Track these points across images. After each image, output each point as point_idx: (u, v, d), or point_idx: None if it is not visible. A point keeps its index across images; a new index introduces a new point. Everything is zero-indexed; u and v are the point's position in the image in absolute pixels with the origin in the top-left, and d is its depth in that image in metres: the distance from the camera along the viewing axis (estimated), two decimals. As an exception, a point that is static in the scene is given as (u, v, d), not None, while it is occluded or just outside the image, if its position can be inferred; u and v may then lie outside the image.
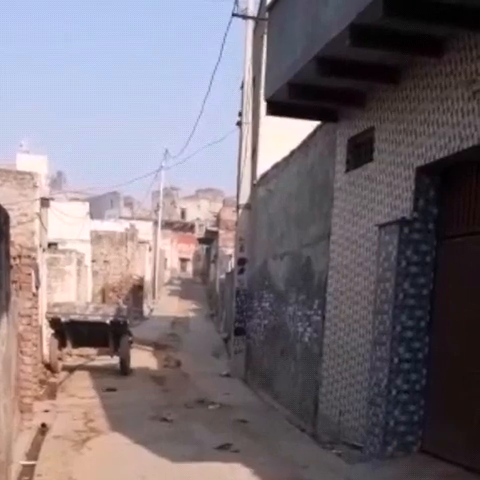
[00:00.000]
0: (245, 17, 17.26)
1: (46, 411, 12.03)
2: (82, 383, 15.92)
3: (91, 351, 18.30)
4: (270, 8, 10.94)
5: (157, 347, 23.68)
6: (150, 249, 47.16)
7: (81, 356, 18.53)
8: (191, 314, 39.25)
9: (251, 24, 17.64)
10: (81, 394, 14.30)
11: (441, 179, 8.03)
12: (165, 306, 43.21)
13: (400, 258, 8.05)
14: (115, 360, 17.85)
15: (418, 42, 7.60)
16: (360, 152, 9.77)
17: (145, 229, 45.46)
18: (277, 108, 10.62)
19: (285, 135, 14.47)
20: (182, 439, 10.16)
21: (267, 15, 11.47)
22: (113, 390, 14.77)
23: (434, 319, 8.04)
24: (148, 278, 45.38)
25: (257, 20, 17.73)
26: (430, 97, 7.80)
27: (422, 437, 8.12)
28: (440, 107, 7.56)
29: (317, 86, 9.41)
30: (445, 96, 7.48)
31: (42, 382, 14.82)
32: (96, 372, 17.37)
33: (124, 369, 17.44)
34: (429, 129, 7.76)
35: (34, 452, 9.16)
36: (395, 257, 8.08)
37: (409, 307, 8.07)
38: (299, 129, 12.57)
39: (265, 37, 12.07)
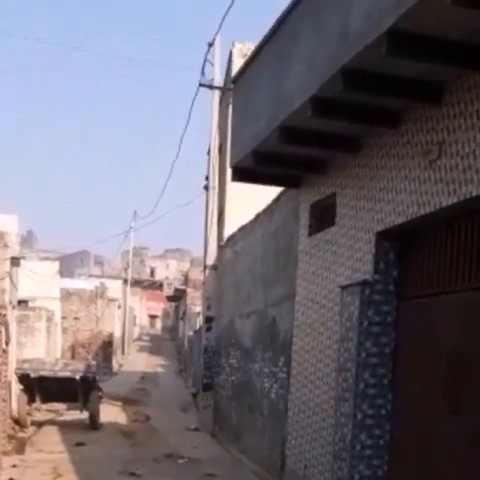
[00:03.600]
0: (211, 87, 17.90)
1: (14, 466, 12.09)
2: (51, 438, 15.96)
3: (60, 406, 18.33)
4: (235, 80, 11.34)
5: (126, 402, 23.71)
6: (119, 306, 47.23)
7: (50, 411, 18.55)
8: (160, 369, 39.20)
9: (217, 94, 18.29)
10: (50, 449, 14.34)
11: (400, 243, 8.38)
12: (134, 362, 43.21)
13: (362, 318, 8.35)
14: (84, 415, 17.88)
15: (376, 113, 8.00)
16: (322, 217, 10.15)
17: (115, 287, 45.63)
18: (242, 174, 10.96)
19: (251, 198, 14.90)
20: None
21: (232, 86, 11.90)
22: (82, 445, 14.82)
23: (396, 377, 8.33)
24: (117, 334, 45.37)
25: (223, 90, 18.33)
26: (389, 165, 8.18)
27: (386, 491, 8.36)
28: (398, 175, 7.93)
29: (281, 154, 9.76)
30: (403, 165, 7.85)
31: (10, 437, 14.86)
32: (65, 427, 17.41)
33: (93, 424, 17.50)
34: (388, 196, 8.13)
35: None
36: (357, 317, 8.39)
37: (372, 365, 8.36)
38: (265, 193, 12.98)
39: (230, 106, 12.48)
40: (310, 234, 10.46)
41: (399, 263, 8.42)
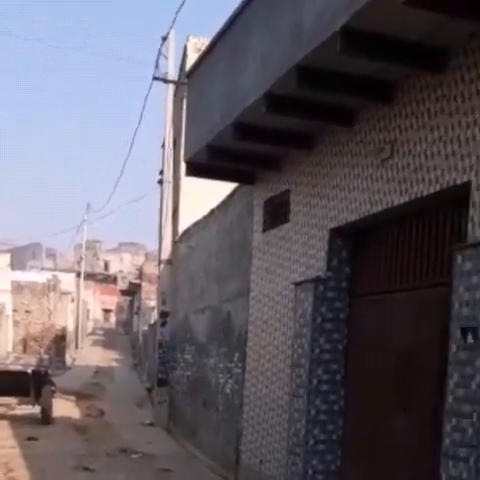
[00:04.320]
0: (165, 81, 17.79)
1: (-36, 461, 11.87)
2: (2, 432, 15.69)
3: (12, 400, 18.09)
4: (189, 74, 11.29)
5: (80, 396, 23.52)
6: (73, 300, 46.85)
7: (1, 405, 18.26)
8: (115, 364, 38.99)
9: (171, 88, 18.19)
10: (1, 444, 14.08)
11: (353, 240, 8.46)
12: (88, 356, 42.87)
13: (315, 315, 8.42)
14: (36, 409, 17.68)
15: (330, 111, 8.04)
16: (276, 213, 10.18)
17: (68, 280, 45.24)
18: (196, 169, 10.90)
19: (206, 193, 14.87)
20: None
21: (186, 80, 11.83)
22: (34, 439, 14.64)
23: (348, 373, 8.42)
24: (71, 328, 44.99)
25: (177, 84, 18.24)
26: (342, 163, 8.23)
27: (339, 486, 8.45)
28: (351, 173, 7.99)
29: (235, 149, 9.75)
30: (356, 163, 7.90)
31: (-40, 432, 14.59)
32: (17, 421, 17.17)
33: (46, 418, 17.31)
34: (341, 193, 8.19)
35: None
36: (310, 314, 8.45)
37: (325, 361, 8.43)
38: (220, 188, 12.96)
39: (185, 101, 12.40)
40: (264, 230, 10.49)
41: (352, 260, 8.49)
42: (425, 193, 6.56)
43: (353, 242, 8.47)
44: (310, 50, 6.77)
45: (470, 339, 5.68)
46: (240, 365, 11.32)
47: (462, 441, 5.70)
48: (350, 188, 8.00)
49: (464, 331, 5.75)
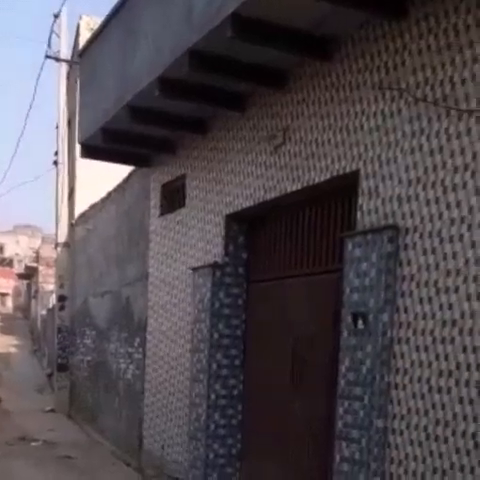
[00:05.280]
0: (57, 60, 17.30)
1: None
2: None
3: None
4: (81, 54, 10.99)
5: (-26, 385, 22.88)
6: (-34, 284, 45.36)
7: None
8: (13, 350, 38.02)
9: (64, 67, 17.72)
10: None
11: (249, 226, 8.50)
12: (-16, 341, 41.68)
13: (214, 300, 8.46)
14: None
15: (223, 96, 8.00)
16: (173, 198, 10.12)
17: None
18: (91, 151, 10.65)
19: (103, 175, 14.63)
20: (3, 478, 9.99)
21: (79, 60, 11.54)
22: None
23: (247, 358, 8.51)
24: (-36, 312, 43.58)
25: (70, 63, 17.79)
26: (236, 148, 8.23)
27: (240, 469, 8.56)
28: (245, 159, 8.00)
29: (130, 132, 9.61)
30: (250, 149, 7.92)
31: None
32: None
33: None
34: (236, 179, 8.21)
35: None
36: (209, 299, 8.49)
37: (224, 347, 8.50)
38: (117, 170, 12.75)
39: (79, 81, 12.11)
40: (161, 214, 10.41)
41: (249, 246, 8.54)
42: (317, 181, 6.65)
43: (249, 228, 8.51)
44: (202, 35, 6.70)
45: (360, 325, 5.83)
46: (141, 350, 11.26)
47: (354, 423, 5.87)
48: (245, 174, 8.02)
49: (355, 317, 5.89)
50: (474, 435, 4.82)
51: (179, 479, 9.40)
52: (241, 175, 8.10)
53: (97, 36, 10.03)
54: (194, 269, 8.92)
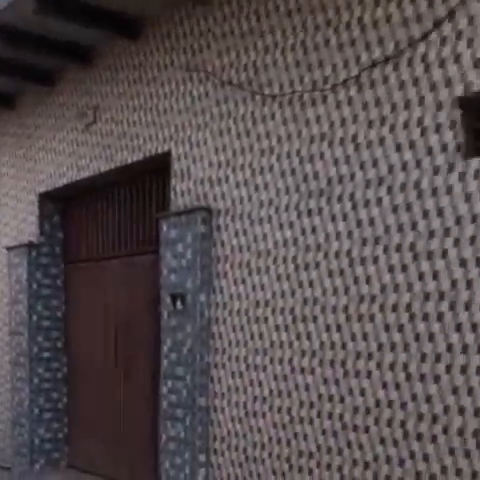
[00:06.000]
0: None
1: None
2: None
3: None
4: None
5: None
6: None
7: None
8: None
9: None
10: None
11: (64, 205, 8.30)
12: None
13: (31, 280, 8.23)
14: None
15: (30, 71, 7.74)
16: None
17: None
18: None
19: None
20: None
21: None
22: None
23: (69, 340, 8.37)
24: None
25: None
26: (46, 125, 7.99)
27: (68, 453, 8.47)
28: (56, 136, 7.80)
29: None
30: (60, 126, 7.72)
31: None
32: None
33: None
34: (48, 156, 7.98)
35: None
36: (26, 279, 8.24)
37: (44, 329, 8.31)
38: None
39: None
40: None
41: (65, 226, 8.35)
42: (129, 161, 6.59)
43: (65, 207, 8.31)
44: (2, 8, 6.40)
45: (179, 306, 5.89)
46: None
47: (178, 403, 5.95)
48: (57, 152, 7.81)
49: (173, 298, 5.93)
50: (289, 410, 5.04)
51: (3, 467, 9.15)
52: (53, 152, 7.87)
53: None
54: (9, 248, 8.61)
